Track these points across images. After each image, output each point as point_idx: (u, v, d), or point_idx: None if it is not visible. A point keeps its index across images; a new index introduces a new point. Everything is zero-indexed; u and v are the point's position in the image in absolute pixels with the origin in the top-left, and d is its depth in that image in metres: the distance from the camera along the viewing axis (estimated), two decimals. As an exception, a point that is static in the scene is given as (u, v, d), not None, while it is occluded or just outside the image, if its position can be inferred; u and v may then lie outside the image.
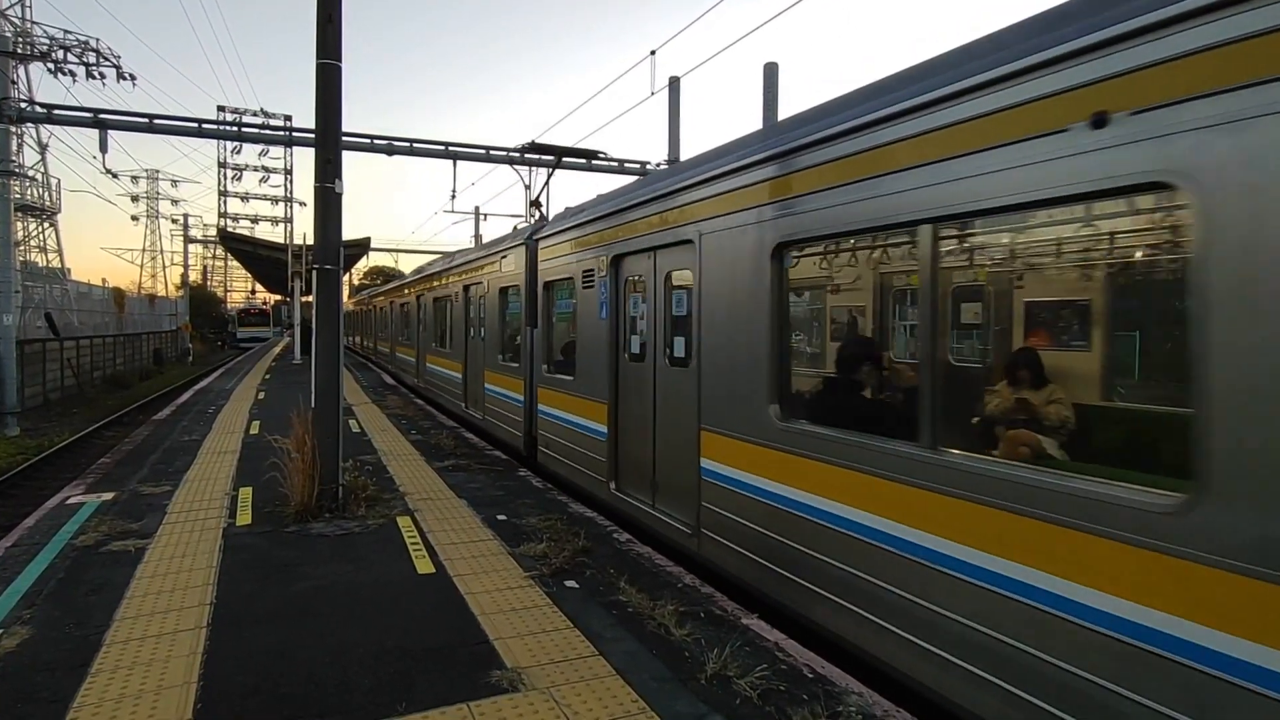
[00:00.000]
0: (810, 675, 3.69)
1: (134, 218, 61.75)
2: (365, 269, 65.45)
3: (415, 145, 19.67)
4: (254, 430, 11.18)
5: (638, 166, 20.29)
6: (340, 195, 6.66)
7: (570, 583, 4.91)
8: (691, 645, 3.96)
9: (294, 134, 20.52)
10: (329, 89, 6.58)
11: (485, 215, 29.24)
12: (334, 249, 6.69)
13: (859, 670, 3.78)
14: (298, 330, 27.60)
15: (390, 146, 19.37)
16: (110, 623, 4.19)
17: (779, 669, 3.73)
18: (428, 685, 3.51)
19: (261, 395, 16.30)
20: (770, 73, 13.69)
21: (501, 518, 6.48)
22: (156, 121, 17.67)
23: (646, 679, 3.61)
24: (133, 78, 21.21)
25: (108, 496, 7.08)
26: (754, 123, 14.81)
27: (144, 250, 68.79)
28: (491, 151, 20.24)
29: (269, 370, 23.65)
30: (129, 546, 5.54)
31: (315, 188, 6.65)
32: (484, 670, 3.65)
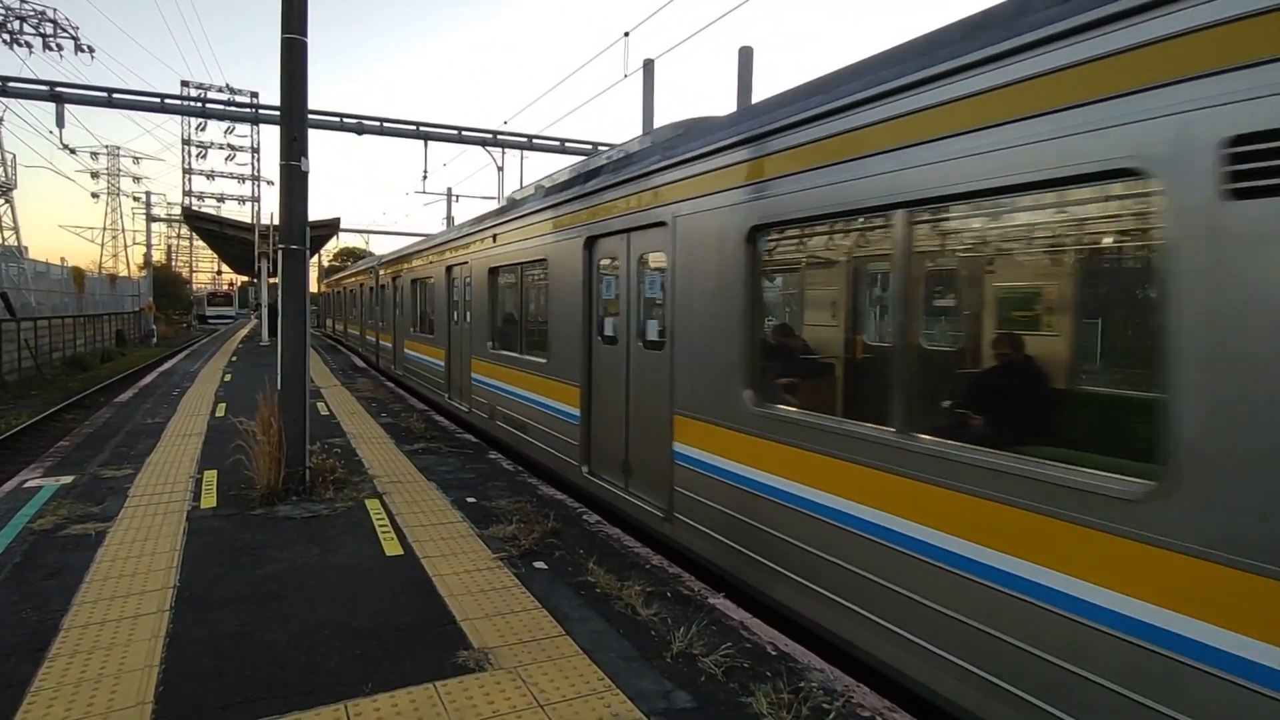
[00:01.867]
0: (774, 653, 3.78)
1: (94, 195, 59.91)
2: (335, 250, 64.32)
3: (386, 124, 19.34)
4: (220, 413, 10.99)
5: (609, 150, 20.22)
6: (306, 174, 6.53)
7: (539, 564, 4.95)
8: (658, 624, 4.03)
9: (260, 111, 20.04)
10: (294, 65, 6.43)
11: (458, 197, 28.85)
12: (300, 229, 6.57)
13: (822, 648, 3.89)
14: (265, 311, 27.03)
15: (360, 125, 19.02)
16: (69, 607, 4.13)
17: (743, 647, 3.81)
18: (394, 666, 3.52)
19: (228, 377, 16.00)
20: (745, 57, 13.66)
21: (471, 500, 6.48)
22: (116, 96, 17.11)
23: (613, 657, 3.66)
24: (91, 50, 20.45)
25: (67, 480, 6.92)
26: (729, 106, 14.74)
27: (105, 229, 66.82)
28: (464, 132, 19.97)
29: (235, 352, 23.19)
30: (89, 530, 5.44)
31: (280, 166, 6.51)
32: (451, 650, 3.67)
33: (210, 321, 57.69)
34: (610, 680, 3.43)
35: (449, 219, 30.73)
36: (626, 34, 13.73)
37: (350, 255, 59.61)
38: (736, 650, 3.74)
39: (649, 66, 16.60)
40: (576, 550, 5.20)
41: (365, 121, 19.12)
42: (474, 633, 3.89)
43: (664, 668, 3.57)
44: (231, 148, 55.38)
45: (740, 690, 3.37)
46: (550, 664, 3.57)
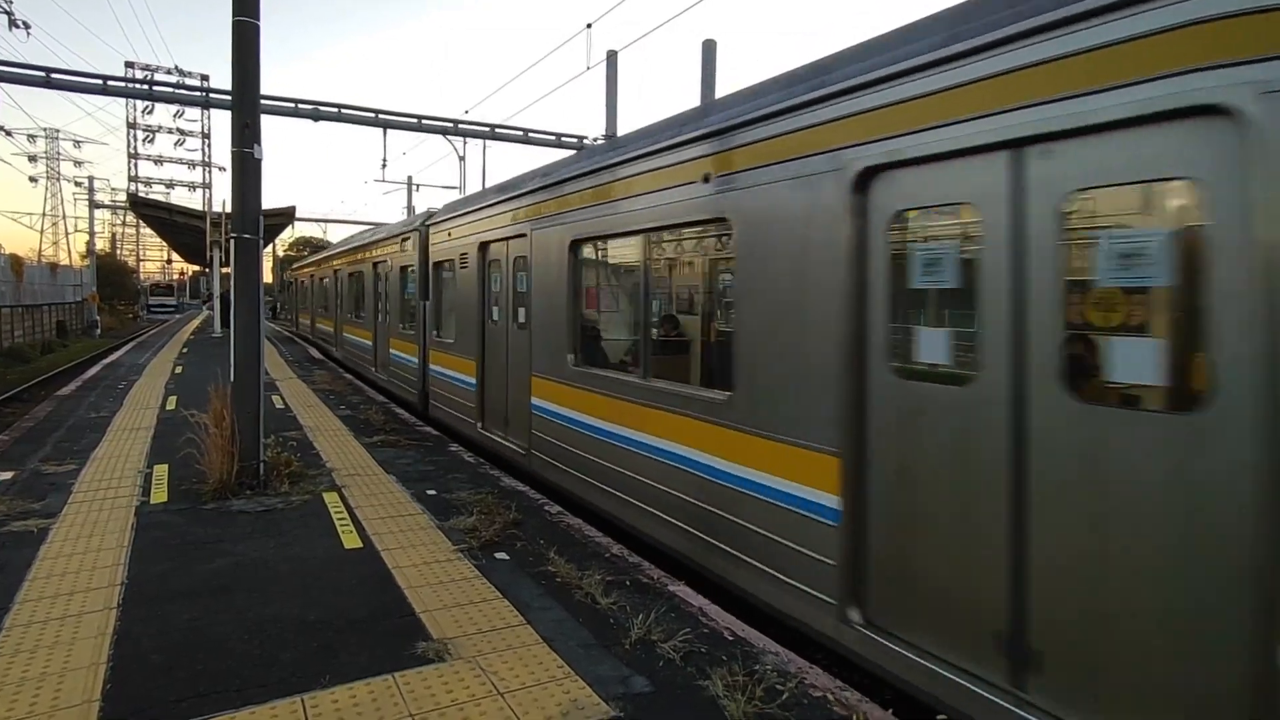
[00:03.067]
0: (730, 638, 3.87)
1: (32, 179, 57.27)
2: (291, 240, 62.60)
3: (343, 111, 18.90)
4: (170, 406, 10.66)
5: (575, 142, 20.09)
6: (259, 161, 6.38)
7: (500, 555, 4.96)
8: (617, 612, 4.09)
9: (211, 95, 19.36)
10: (245, 49, 6.26)
11: (418, 186, 28.35)
12: (253, 218, 6.41)
13: (777, 631, 3.99)
14: (217, 302, 26.22)
15: (316, 112, 18.54)
16: (10, 605, 3.99)
17: (701, 632, 3.89)
18: (352, 658, 3.51)
19: (179, 370, 15.51)
20: (708, 50, 13.74)
21: (431, 492, 6.44)
22: (55, 76, 16.35)
23: (572, 645, 3.71)
24: (27, 26, 19.49)
25: (6, 475, 6.65)
26: (693, 99, 14.82)
27: (44, 215, 63.76)
28: (424, 120, 19.64)
29: (186, 344, 22.47)
30: (30, 527, 5.25)
31: (232, 153, 6.35)
32: (410, 642, 3.67)
33: (153, 311, 56.74)
34: (570, 667, 3.48)
35: (409, 208, 30.19)
36: (589, 25, 13.66)
37: (307, 245, 58.14)
38: (694, 635, 3.82)
39: (612, 58, 16.57)
40: (537, 540, 5.22)
41: (322, 108, 18.63)
42: (434, 624, 3.89)
43: (623, 654, 3.63)
44: (181, 132, 53.45)
45: (697, 674, 3.45)
46: (510, 653, 3.60)
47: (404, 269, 11.91)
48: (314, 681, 3.28)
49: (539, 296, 6.82)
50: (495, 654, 3.59)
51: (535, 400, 6.83)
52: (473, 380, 8.61)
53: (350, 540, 5.16)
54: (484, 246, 8.30)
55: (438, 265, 10.25)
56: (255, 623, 3.85)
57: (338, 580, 4.46)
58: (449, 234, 9.60)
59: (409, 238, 11.53)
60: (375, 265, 13.96)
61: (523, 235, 7.17)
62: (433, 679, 3.34)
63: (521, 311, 7.27)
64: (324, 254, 23.86)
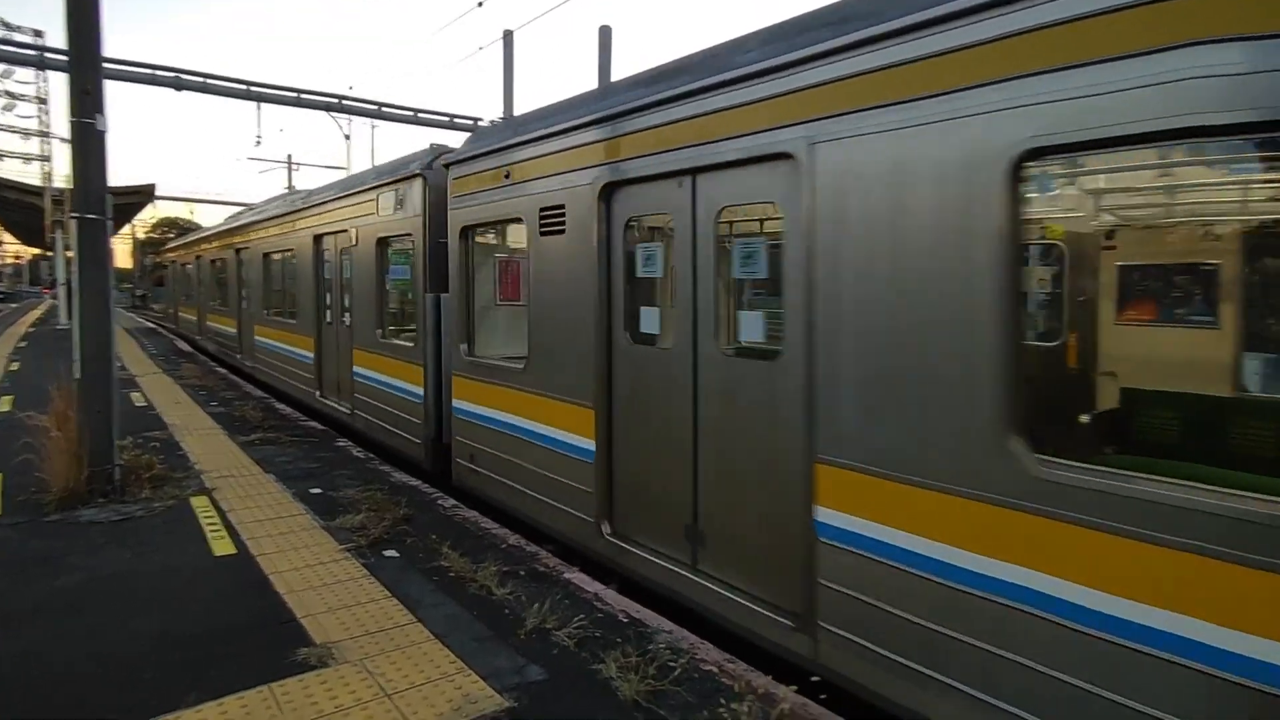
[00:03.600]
0: (625, 620, 3.93)
1: None
2: (154, 220, 56.99)
3: (210, 81, 17.36)
4: (4, 408, 9.47)
5: (469, 123, 19.47)
6: (104, 133, 5.73)
7: (390, 552, 4.78)
8: (513, 603, 4.05)
9: (46, 55, 17.19)
10: (83, 2, 5.59)
11: (298, 165, 26.58)
12: (98, 196, 5.77)
13: (672, 612, 4.10)
14: (62, 290, 23.46)
15: (178, 80, 16.93)
16: None
17: (596, 617, 3.93)
18: (223, 671, 3.28)
19: (15, 366, 13.80)
20: (604, 36, 13.68)
21: (315, 491, 6.11)
22: None
23: (466, 640, 3.64)
24: None
25: None
26: (591, 84, 14.73)
27: None
28: (304, 95, 18.38)
29: (25, 337, 20.02)
30: None
31: (71, 123, 5.67)
32: (289, 649, 3.48)
33: None
34: (463, 662, 3.42)
35: (290, 188, 28.23)
36: (480, 3, 13.19)
37: (173, 226, 53.04)
38: (589, 621, 3.85)
39: (508, 38, 16.14)
40: (430, 535, 5.07)
41: (185, 76, 16.97)
42: (316, 629, 3.70)
43: (518, 645, 3.60)
44: (10, 96, 46.89)
45: (591, 659, 3.48)
46: (399, 653, 3.49)
47: (383, 242, 7.82)
48: (178, 701, 3.04)
49: (844, 293, 3.15)
50: (383, 655, 3.46)
51: (831, 518, 3.22)
52: (585, 445, 4.75)
53: (222, 546, 4.80)
54: (610, 191, 4.54)
55: (468, 233, 6.34)
56: (111, 642, 3.51)
57: (207, 590, 4.14)
58: (506, 175, 5.57)
59: (397, 190, 7.39)
60: (318, 238, 9.62)
61: (774, 158, 3.47)
62: (315, 686, 3.18)
63: (750, 325, 4.05)
64: (220, 227, 17.74)
